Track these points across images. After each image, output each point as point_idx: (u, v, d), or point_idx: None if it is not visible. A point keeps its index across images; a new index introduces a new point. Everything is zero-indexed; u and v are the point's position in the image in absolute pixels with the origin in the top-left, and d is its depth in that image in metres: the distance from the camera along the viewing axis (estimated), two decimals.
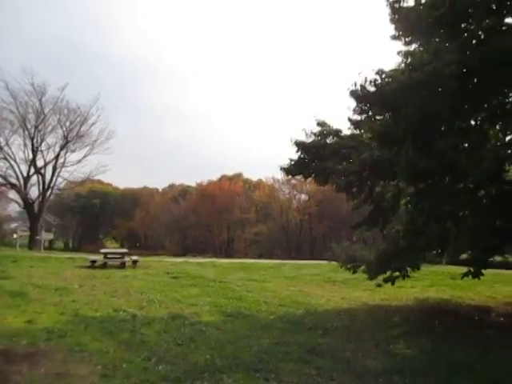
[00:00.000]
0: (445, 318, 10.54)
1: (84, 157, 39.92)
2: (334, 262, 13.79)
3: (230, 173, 64.25)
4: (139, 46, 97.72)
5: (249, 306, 11.29)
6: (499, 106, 9.55)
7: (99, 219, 67.37)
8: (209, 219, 56.14)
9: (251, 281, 16.22)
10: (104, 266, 18.84)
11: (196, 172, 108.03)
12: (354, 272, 12.18)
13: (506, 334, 9.26)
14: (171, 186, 73.31)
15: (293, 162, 13.79)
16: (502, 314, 11.12)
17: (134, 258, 20.14)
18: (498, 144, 9.23)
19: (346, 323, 9.84)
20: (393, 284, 11.07)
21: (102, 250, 21.46)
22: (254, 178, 65.33)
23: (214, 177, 63.38)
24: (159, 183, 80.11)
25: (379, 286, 11.40)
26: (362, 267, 11.75)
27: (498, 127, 9.92)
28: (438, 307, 11.98)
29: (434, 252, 11.17)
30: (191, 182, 70.24)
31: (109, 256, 19.89)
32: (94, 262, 18.77)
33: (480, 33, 9.77)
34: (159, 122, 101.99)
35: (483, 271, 10.59)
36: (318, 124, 13.84)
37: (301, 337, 8.31)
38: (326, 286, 15.92)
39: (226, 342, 7.72)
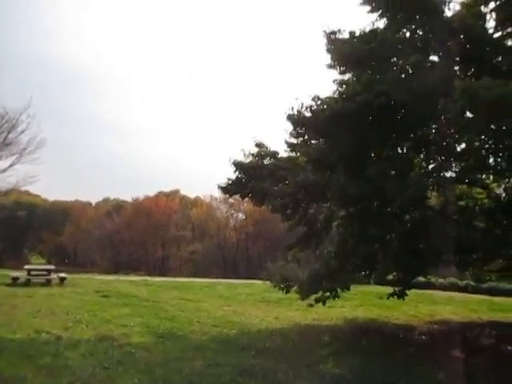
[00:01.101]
0: (372, 336, 10.92)
1: (10, 166, 37.34)
2: (268, 282, 13.92)
3: (167, 189, 63.26)
4: (79, 53, 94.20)
5: (182, 326, 11.05)
6: (423, 137, 10.24)
7: (25, 233, 63.02)
8: (143, 236, 54.61)
9: (185, 300, 15.92)
10: (27, 283, 17.59)
11: (132, 187, 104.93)
12: (287, 292, 12.35)
13: (426, 351, 9.77)
14: (105, 200, 70.67)
15: (230, 182, 13.89)
16: (424, 332, 11.74)
17: (62, 275, 19.02)
18: (422, 172, 9.86)
19: (279, 343, 9.90)
20: (324, 304, 11.34)
21: (26, 266, 20.14)
22: (192, 195, 64.80)
23: (151, 192, 62.06)
24: (93, 197, 76.77)
25: (311, 305, 11.62)
26: (295, 287, 11.94)
27: (421, 156, 10.62)
28: (365, 326, 12.40)
29: (363, 273, 11.61)
30: (127, 196, 68.22)
31: (33, 273, 18.60)
32: (15, 279, 17.51)
33: (407, 68, 10.52)
34: (94, 132, 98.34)
35: (408, 291, 11.19)
36: (257, 145, 14.09)
37: (233, 358, 8.24)
38: (261, 306, 15.98)
39: (157, 364, 7.48)
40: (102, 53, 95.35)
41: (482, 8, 10.20)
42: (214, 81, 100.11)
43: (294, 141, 12.44)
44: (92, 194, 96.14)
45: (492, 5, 9.94)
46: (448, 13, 9.95)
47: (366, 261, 10.34)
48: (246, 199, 16.49)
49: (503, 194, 11.26)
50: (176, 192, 63.39)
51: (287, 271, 13.44)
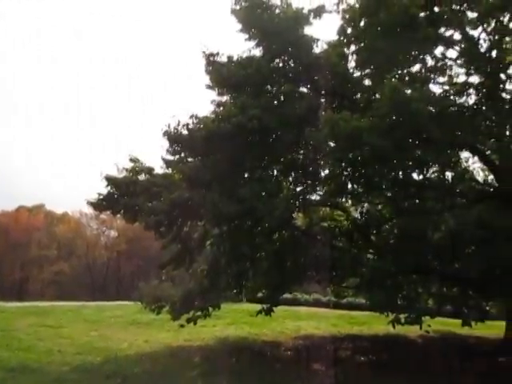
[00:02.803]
0: (242, 355, 11.07)
1: None
2: (140, 303, 13.35)
3: (29, 203, 57.29)
4: None
5: (38, 357, 9.96)
6: (292, 161, 10.93)
7: None
8: None
9: (44, 327, 14.41)
10: None
11: None
12: (158, 313, 11.99)
13: (291, 366, 10.19)
14: None
15: (101, 197, 13.19)
16: (290, 347, 12.26)
17: None
18: (290, 194, 10.46)
19: (147, 368, 9.50)
20: (195, 324, 11.22)
21: None
22: (60, 210, 59.65)
23: (10, 207, 55.58)
24: None
25: (182, 326, 11.41)
26: (167, 307, 11.64)
27: (290, 179, 11.29)
28: (236, 345, 12.54)
29: (235, 290, 11.80)
30: None
31: None
32: None
33: (279, 95, 11.19)
34: None
35: (275, 308, 11.64)
36: (131, 160, 13.63)
37: None
38: (130, 329, 15.19)
39: None
40: None
41: (345, 49, 11.39)
42: (86, 91, 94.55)
43: (170, 158, 12.32)
44: None
45: (353, 48, 11.16)
46: (316, 50, 10.89)
47: (237, 279, 10.54)
48: (119, 216, 15.81)
49: (359, 217, 12.48)
50: (40, 207, 57.71)
51: (160, 291, 13.09)
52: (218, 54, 11.18)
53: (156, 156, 13.09)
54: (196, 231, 12.92)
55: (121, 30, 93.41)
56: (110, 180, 12.96)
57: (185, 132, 10.63)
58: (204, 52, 11.14)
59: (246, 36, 11.13)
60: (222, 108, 11.32)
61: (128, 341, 12.66)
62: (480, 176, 11.85)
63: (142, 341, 12.78)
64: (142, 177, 13.50)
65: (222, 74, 10.69)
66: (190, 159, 11.41)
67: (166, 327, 14.61)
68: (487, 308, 11.56)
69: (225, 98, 11.81)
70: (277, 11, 10.63)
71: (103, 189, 12.79)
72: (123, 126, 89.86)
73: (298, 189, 10.91)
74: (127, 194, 13.06)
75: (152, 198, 12.83)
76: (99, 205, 13.32)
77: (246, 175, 11.04)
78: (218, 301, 11.13)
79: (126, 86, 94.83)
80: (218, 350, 11.94)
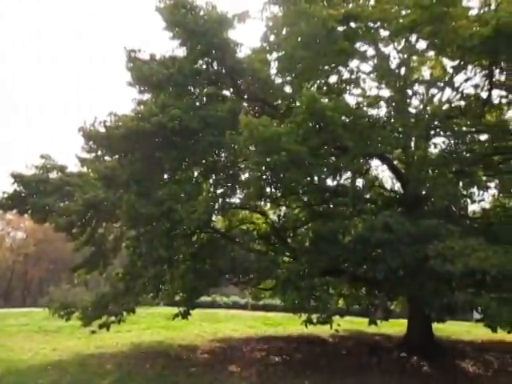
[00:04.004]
0: (157, 360, 10.82)
1: None
2: (47, 309, 12.50)
3: None
4: None
5: None
6: (213, 164, 10.92)
7: None
8: None
9: None
10: None
11: None
12: (68, 319, 11.31)
13: (207, 369, 10.13)
14: None
15: (7, 195, 12.28)
16: (207, 350, 12.20)
17: None
18: (210, 197, 10.45)
19: (54, 379, 8.99)
20: (108, 330, 10.75)
21: None
22: None
23: None
24: None
25: (93, 332, 10.88)
26: (77, 313, 11.03)
27: (210, 181, 11.28)
28: (151, 350, 12.21)
29: (151, 294, 11.49)
30: None
31: None
32: None
33: (202, 97, 11.16)
34: None
35: (193, 311, 11.53)
36: (42, 157, 12.83)
37: None
38: (36, 337, 14.17)
39: None
40: None
41: (268, 56, 11.65)
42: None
43: (85, 156, 11.76)
44: None
45: (275, 55, 11.44)
46: (240, 54, 11.01)
47: (153, 282, 10.29)
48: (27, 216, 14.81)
49: (277, 220, 12.79)
50: None
51: (71, 295, 12.42)
52: (139, 50, 10.93)
53: (70, 154, 12.49)
54: (111, 233, 12.46)
55: (36, 20, 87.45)
56: (17, 177, 12.12)
57: (102, 129, 10.21)
58: (125, 47, 10.82)
59: (171, 35, 10.99)
60: (142, 106, 11.04)
61: (33, 350, 11.84)
62: (388, 183, 12.69)
63: (50, 349, 12.03)
64: (53, 175, 12.77)
65: (143, 71, 10.43)
66: (106, 158, 10.97)
67: (76, 334, 13.86)
68: (392, 307, 12.44)
69: (146, 97, 11.55)
70: (201, 13, 10.59)
71: (9, 187, 11.91)
72: (36, 122, 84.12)
73: (219, 191, 10.92)
74: (37, 192, 12.29)
75: (64, 197, 12.21)
76: (4, 204, 12.42)
77: (165, 176, 10.86)
78: (133, 305, 10.77)
79: (39, 80, 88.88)
80: (131, 356, 11.55)
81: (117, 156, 10.43)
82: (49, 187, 12.28)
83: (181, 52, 11.09)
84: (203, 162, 10.86)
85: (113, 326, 10.92)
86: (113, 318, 10.73)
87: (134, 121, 9.89)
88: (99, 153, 10.85)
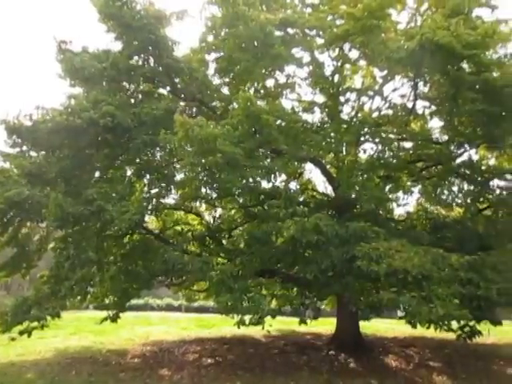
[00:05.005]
0: (83, 367, 10.37)
1: None
2: None
3: None
4: None
5: None
6: (147, 163, 10.66)
7: None
8: None
9: None
10: None
11: None
12: None
13: (137, 374, 9.84)
14: None
15: None
16: (137, 354, 11.86)
17: None
18: (143, 197, 10.20)
19: None
20: (29, 336, 10.12)
21: None
22: None
23: None
24: None
25: (13, 339, 10.19)
26: None
27: (145, 181, 11.01)
28: (78, 356, 11.65)
29: (78, 297, 10.98)
30: None
31: None
32: None
33: (137, 94, 10.89)
34: None
35: (126, 314, 11.20)
36: None
37: None
38: None
39: None
40: None
41: (206, 56, 11.61)
42: None
43: (8, 150, 11.01)
44: None
45: (213, 55, 11.43)
46: (178, 53, 10.86)
47: (81, 285, 9.84)
48: None
49: (212, 222, 12.76)
50: None
51: None
52: (70, 42, 10.46)
53: None
54: (36, 233, 11.75)
55: None
56: None
57: (28, 123, 9.63)
58: (55, 38, 10.31)
59: (105, 28, 10.61)
60: (73, 101, 10.55)
61: None
62: (321, 187, 13.10)
63: None
64: None
65: (74, 64, 9.97)
66: (32, 153, 10.36)
67: None
68: (322, 307, 12.85)
69: (77, 91, 11.06)
70: (138, 7, 10.33)
71: None
72: None
73: (153, 191, 10.68)
74: None
75: None
76: None
77: (96, 174, 10.47)
78: (59, 309, 10.23)
79: None
80: (55, 363, 10.97)
81: (43, 152, 9.90)
82: None
83: (117, 46, 10.77)
84: (137, 160, 10.57)
85: (37, 332, 10.27)
86: (35, 324, 10.14)
87: (63, 115, 9.45)
88: (24, 148, 10.24)
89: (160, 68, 10.69)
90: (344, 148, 10.66)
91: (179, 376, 9.61)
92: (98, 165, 10.12)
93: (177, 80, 11.00)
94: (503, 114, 8.77)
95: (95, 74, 9.98)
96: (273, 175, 9.48)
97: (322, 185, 13.02)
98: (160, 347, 12.66)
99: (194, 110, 11.01)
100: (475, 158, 11.72)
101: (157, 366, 10.56)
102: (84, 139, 9.38)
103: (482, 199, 11.44)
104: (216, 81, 11.72)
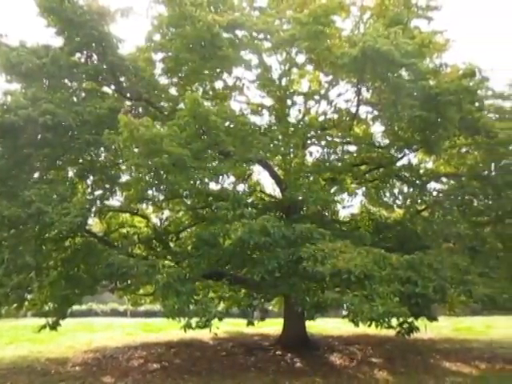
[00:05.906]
0: (19, 377, 9.84)
1: None
2: None
3: None
4: None
5: None
6: (91, 163, 10.28)
7: None
8: None
9: None
10: None
11: None
12: None
13: (77, 383, 9.47)
14: None
15: None
16: (79, 362, 11.40)
17: None
18: (86, 198, 9.81)
19: None
20: None
21: None
22: None
23: None
24: None
25: None
26: None
27: (88, 182, 10.62)
28: (13, 367, 10.98)
29: (15, 305, 10.39)
30: None
31: None
32: None
33: (79, 92, 10.48)
34: None
35: (67, 321, 10.69)
36: None
37: None
38: None
39: None
40: None
41: (153, 55, 11.38)
42: None
43: None
44: None
45: (160, 55, 11.22)
46: (123, 51, 10.56)
47: (17, 291, 9.31)
48: None
49: (159, 224, 12.52)
50: None
51: None
52: (6, 35, 9.90)
53: None
54: None
55: None
56: None
57: None
58: None
59: (45, 22, 10.13)
60: (9, 97, 9.97)
61: None
62: (269, 189, 13.22)
63: None
64: None
65: (10, 58, 9.43)
66: None
67: None
68: (269, 308, 12.97)
69: (15, 87, 10.48)
70: (80, 2, 9.94)
71: None
72: None
73: (96, 193, 10.33)
74: None
75: None
76: None
77: (35, 175, 9.95)
78: None
79: None
80: None
81: None
82: None
83: (58, 42, 10.32)
84: (80, 161, 10.17)
85: None
86: None
87: None
88: None
89: (104, 66, 10.34)
90: (291, 150, 10.82)
91: (123, 383, 9.33)
92: (38, 165, 9.63)
93: (122, 79, 10.71)
94: (439, 120, 9.25)
95: (34, 70, 9.49)
96: (221, 177, 9.46)
97: (270, 187, 13.18)
98: (103, 354, 12.26)
99: (141, 109, 10.74)
100: (414, 161, 12.36)
101: (100, 373, 10.21)
102: (21, 138, 8.90)
103: (420, 201, 12.02)
104: (164, 81, 11.52)
